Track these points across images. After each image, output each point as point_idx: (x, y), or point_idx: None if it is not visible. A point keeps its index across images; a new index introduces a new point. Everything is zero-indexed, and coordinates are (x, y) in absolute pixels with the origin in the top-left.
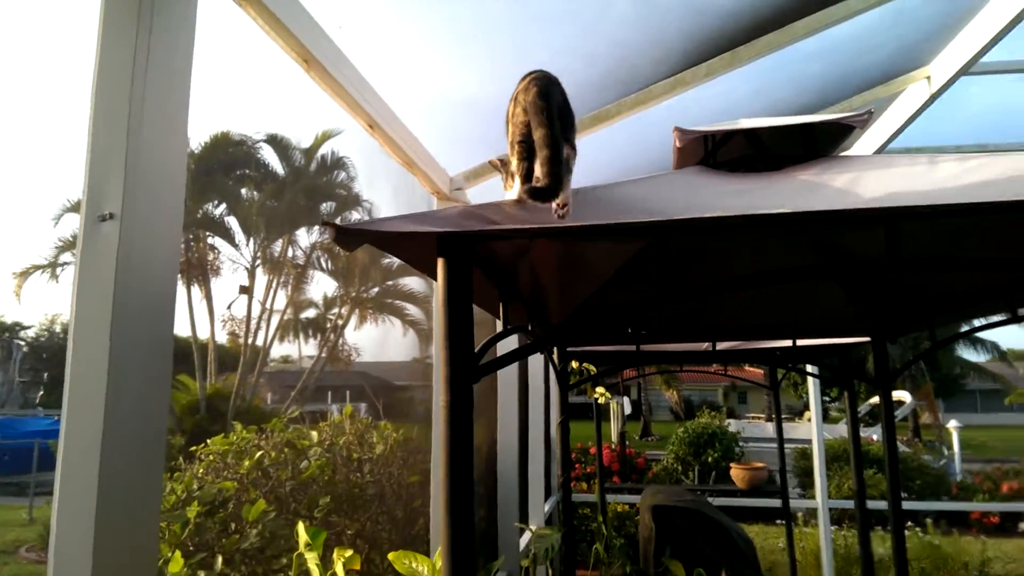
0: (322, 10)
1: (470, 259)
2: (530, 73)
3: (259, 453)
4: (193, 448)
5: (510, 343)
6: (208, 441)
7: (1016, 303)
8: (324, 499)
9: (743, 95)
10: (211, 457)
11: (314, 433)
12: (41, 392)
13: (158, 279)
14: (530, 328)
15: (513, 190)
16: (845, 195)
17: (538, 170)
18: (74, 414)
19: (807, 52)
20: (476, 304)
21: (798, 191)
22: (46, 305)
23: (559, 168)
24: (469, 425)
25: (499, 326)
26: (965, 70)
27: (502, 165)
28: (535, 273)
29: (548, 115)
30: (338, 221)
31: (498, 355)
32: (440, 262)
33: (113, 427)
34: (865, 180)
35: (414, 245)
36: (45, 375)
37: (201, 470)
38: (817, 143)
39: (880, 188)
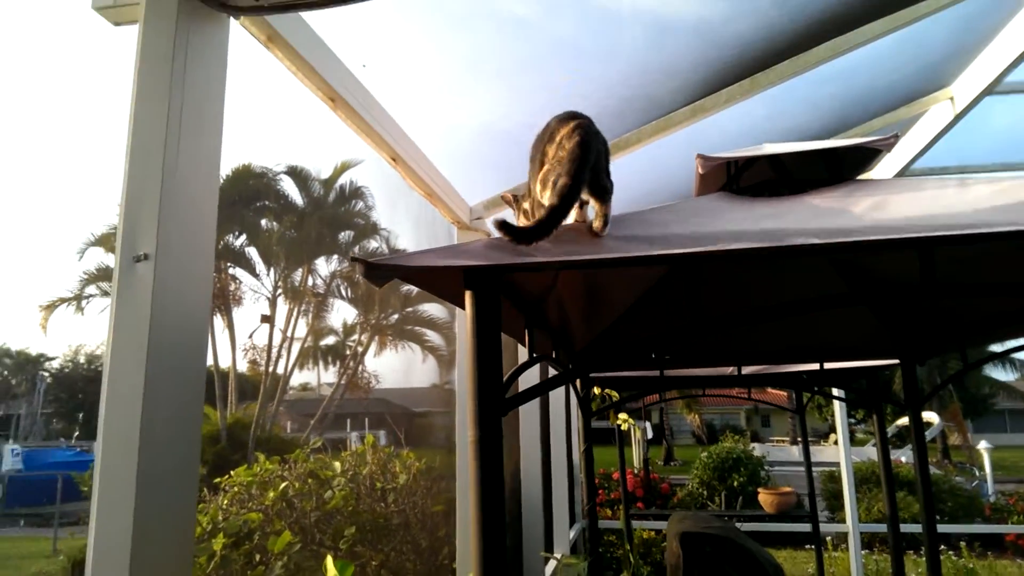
0: (346, 50)
1: (498, 291)
2: (575, 117)
3: (283, 484)
4: (217, 479)
5: (534, 371)
6: (232, 472)
7: None
8: (349, 529)
9: (760, 118)
10: (236, 488)
11: (337, 463)
12: (69, 424)
13: (191, 318)
14: (555, 356)
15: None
16: (873, 219)
17: (538, 195)
18: (109, 451)
19: (825, 75)
20: (503, 332)
21: (824, 215)
22: (70, 337)
23: (554, 222)
24: (499, 459)
25: (521, 353)
26: (989, 90)
27: (514, 200)
28: (560, 301)
29: (579, 168)
30: (356, 249)
31: (520, 384)
32: (468, 295)
33: (147, 463)
34: (894, 203)
35: (442, 279)
36: (71, 407)
37: (226, 501)
38: (842, 167)
39: (910, 212)
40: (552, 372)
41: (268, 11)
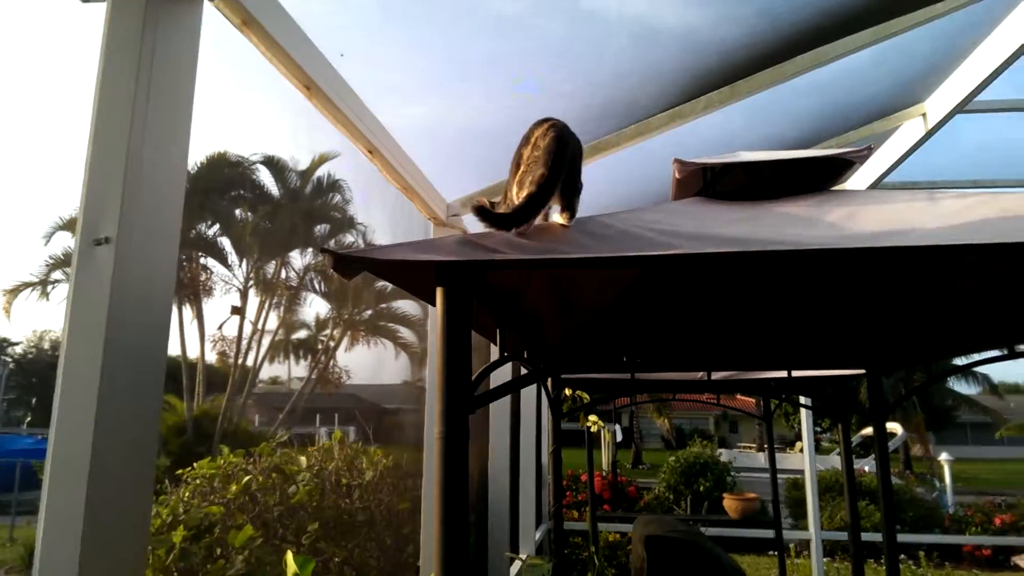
0: (324, 38)
1: (469, 288)
2: (548, 120)
3: (247, 478)
4: (180, 471)
5: (504, 370)
6: (195, 464)
7: (1013, 339)
8: (312, 525)
9: (738, 127)
10: (198, 481)
11: (303, 458)
12: (27, 412)
13: (152, 304)
14: (526, 356)
15: None
16: (843, 229)
17: (514, 197)
18: (62, 437)
19: (803, 86)
20: (474, 330)
21: (797, 223)
22: (35, 322)
23: (533, 210)
24: (464, 456)
25: (494, 352)
26: (961, 108)
27: (490, 205)
28: (532, 301)
29: (557, 160)
30: (332, 243)
31: (491, 383)
32: (439, 291)
33: (101, 452)
34: (864, 215)
35: (413, 274)
36: (31, 394)
37: (187, 494)
38: (816, 177)
39: (881, 224)
40: (524, 373)
41: None
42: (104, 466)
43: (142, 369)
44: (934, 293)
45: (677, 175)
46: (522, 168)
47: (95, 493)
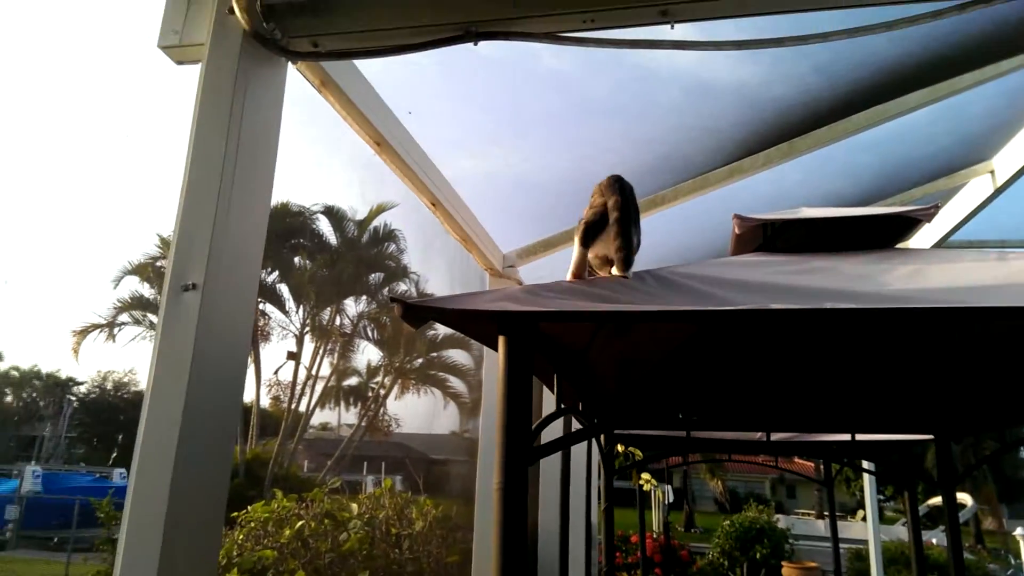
0: (393, 96)
1: (531, 338)
2: (611, 176)
3: (300, 523)
4: (234, 514)
5: (557, 425)
6: (249, 508)
7: None
8: (363, 574)
9: (793, 183)
10: (252, 524)
11: (354, 505)
12: (88, 450)
13: (233, 349)
14: (581, 408)
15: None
16: (908, 287)
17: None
18: (143, 478)
19: (861, 142)
20: (538, 378)
21: (860, 280)
22: (100, 363)
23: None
24: (523, 508)
25: (547, 404)
26: None
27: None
28: (590, 353)
29: (622, 194)
30: (386, 291)
31: (545, 437)
32: (501, 340)
33: (179, 490)
34: (930, 273)
35: (476, 323)
36: (92, 433)
37: (241, 536)
38: (879, 235)
39: (947, 282)
40: (576, 426)
41: (326, 57)
42: (181, 504)
43: (221, 409)
44: (1005, 357)
45: (737, 231)
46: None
47: (171, 531)
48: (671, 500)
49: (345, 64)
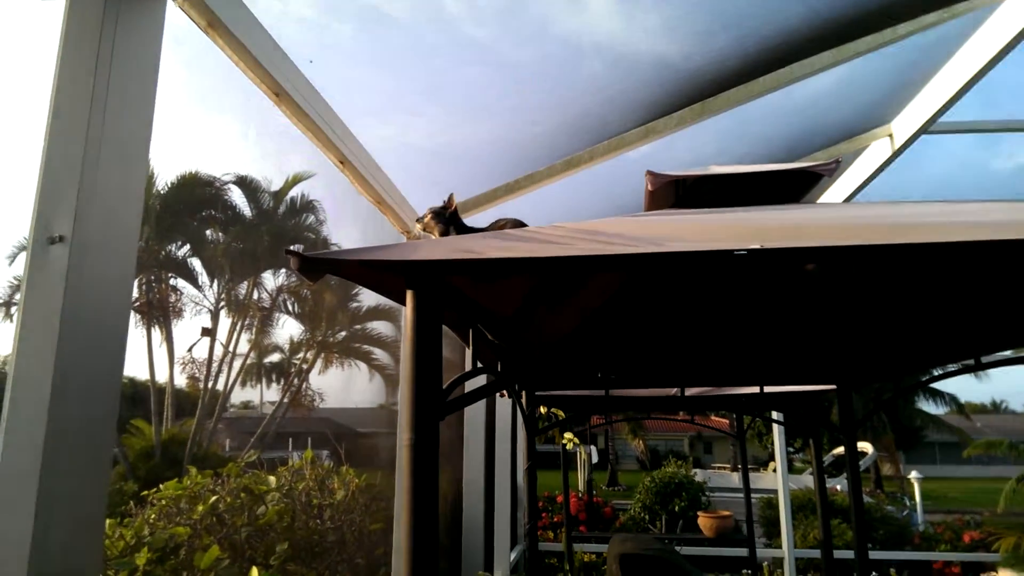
0: (293, 44)
1: (440, 291)
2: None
3: (213, 498)
4: (145, 492)
5: (478, 385)
6: (161, 486)
7: (979, 351)
8: (281, 546)
9: (712, 151)
10: (163, 502)
11: (272, 478)
12: None
13: (109, 305)
14: (500, 370)
15: None
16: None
17: None
18: (11, 447)
19: (772, 111)
20: (457, 336)
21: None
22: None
23: None
24: (434, 465)
25: (468, 365)
26: (925, 129)
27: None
28: (505, 310)
29: None
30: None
31: (467, 392)
32: (409, 294)
33: (52, 462)
34: (820, 220)
35: (386, 278)
36: None
37: (153, 515)
38: (786, 190)
39: (832, 228)
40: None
41: None
42: (54, 477)
43: (98, 374)
44: (899, 306)
45: (650, 187)
46: None
47: (44, 512)
48: (596, 460)
49: (235, 4)
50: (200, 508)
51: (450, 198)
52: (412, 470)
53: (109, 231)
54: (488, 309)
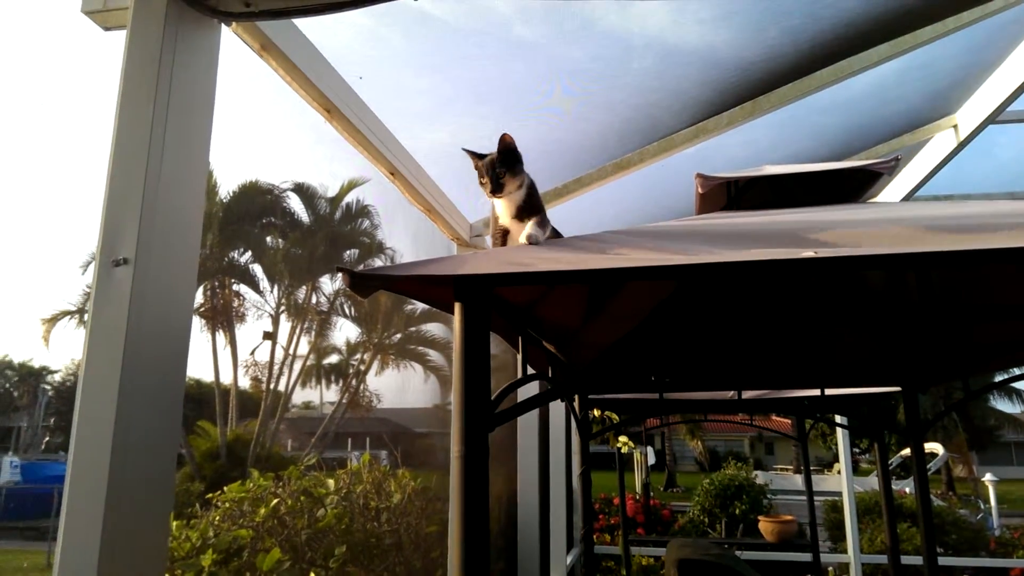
0: (345, 63)
1: (487, 303)
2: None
3: (275, 501)
4: (209, 495)
5: (530, 390)
6: (225, 488)
7: None
8: (340, 549)
9: (765, 146)
10: (227, 504)
11: (331, 481)
12: (66, 439)
13: (171, 325)
14: (551, 375)
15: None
16: (867, 236)
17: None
18: (80, 464)
19: (829, 104)
20: (508, 344)
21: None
22: (73, 351)
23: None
24: (485, 476)
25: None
26: (992, 118)
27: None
28: (556, 317)
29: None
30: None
31: (518, 402)
32: (457, 307)
33: (119, 475)
34: (884, 222)
35: (436, 291)
36: (71, 421)
37: (217, 517)
38: (843, 190)
39: (893, 232)
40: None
41: (259, 17)
42: (122, 489)
43: (161, 390)
44: (967, 306)
45: (700, 190)
46: None
47: (112, 517)
48: (653, 461)
49: (287, 27)
50: (262, 511)
51: (503, 139)
52: (463, 482)
53: (170, 253)
54: (539, 316)
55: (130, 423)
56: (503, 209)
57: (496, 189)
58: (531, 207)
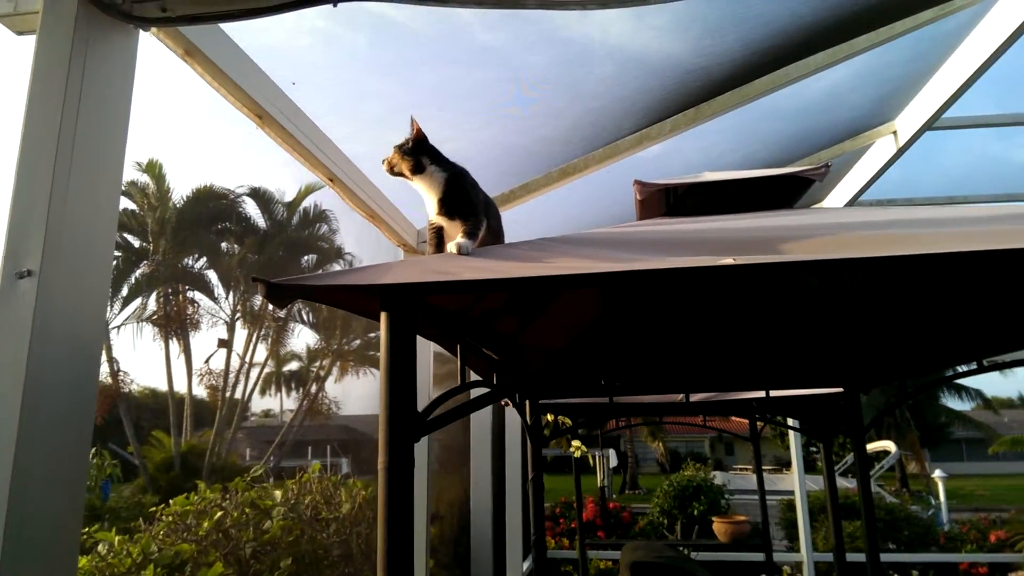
0: (297, 64)
1: (414, 312)
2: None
3: (219, 514)
4: (153, 508)
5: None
6: (171, 502)
7: (982, 353)
8: (285, 561)
9: (721, 151)
10: (170, 518)
11: (278, 492)
12: None
13: (80, 339)
14: (495, 381)
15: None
16: (796, 243)
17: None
18: None
19: (772, 110)
20: (448, 351)
21: (751, 235)
22: None
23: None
24: (409, 486)
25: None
26: (929, 125)
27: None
28: (495, 324)
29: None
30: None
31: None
32: (383, 316)
33: (21, 500)
34: (817, 229)
35: (360, 299)
36: None
37: (161, 532)
38: (778, 195)
39: (827, 237)
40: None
41: (177, 22)
42: (23, 515)
43: (68, 407)
44: (903, 309)
45: (639, 196)
46: None
47: (12, 545)
48: (615, 464)
49: (212, 31)
50: (206, 524)
51: (411, 123)
52: (387, 494)
53: (79, 264)
54: (476, 323)
55: (33, 441)
56: (428, 201)
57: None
58: (458, 203)
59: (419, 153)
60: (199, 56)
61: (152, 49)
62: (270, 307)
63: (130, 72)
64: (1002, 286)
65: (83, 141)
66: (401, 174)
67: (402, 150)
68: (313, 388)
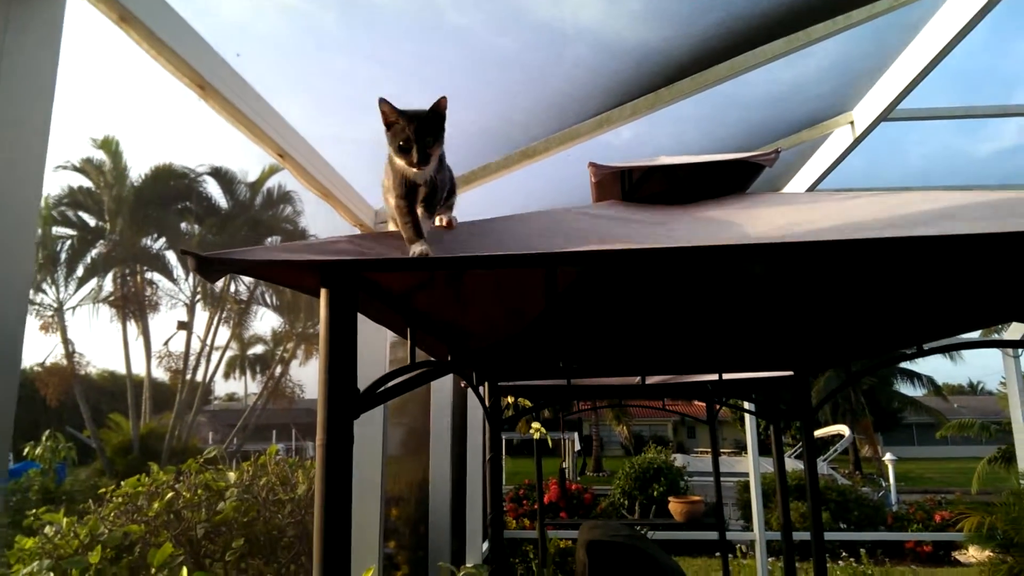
0: (268, 44)
1: (355, 289)
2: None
3: (170, 495)
4: (101, 490)
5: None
6: (123, 483)
7: (922, 338)
8: (238, 542)
9: (686, 140)
10: (120, 499)
11: (232, 474)
12: None
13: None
14: (451, 360)
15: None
16: (739, 228)
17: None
18: None
19: (730, 99)
20: (395, 333)
21: (710, 225)
22: None
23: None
24: (348, 464)
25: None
26: (885, 115)
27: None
28: (444, 305)
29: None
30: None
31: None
32: (323, 293)
33: None
34: (764, 215)
35: (297, 275)
36: None
37: (111, 513)
38: (731, 180)
39: (774, 223)
40: (424, 371)
41: None
42: None
43: None
44: (848, 295)
45: (594, 179)
46: None
47: None
48: (579, 447)
49: None
50: (156, 505)
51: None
52: (325, 471)
53: None
54: (425, 304)
55: None
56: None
57: (423, 160)
58: (441, 189)
59: (441, 134)
60: (135, 22)
61: (89, 16)
62: (231, 289)
63: (55, 38)
64: (939, 274)
65: (3, 107)
66: (428, 161)
67: (436, 137)
68: (277, 371)
